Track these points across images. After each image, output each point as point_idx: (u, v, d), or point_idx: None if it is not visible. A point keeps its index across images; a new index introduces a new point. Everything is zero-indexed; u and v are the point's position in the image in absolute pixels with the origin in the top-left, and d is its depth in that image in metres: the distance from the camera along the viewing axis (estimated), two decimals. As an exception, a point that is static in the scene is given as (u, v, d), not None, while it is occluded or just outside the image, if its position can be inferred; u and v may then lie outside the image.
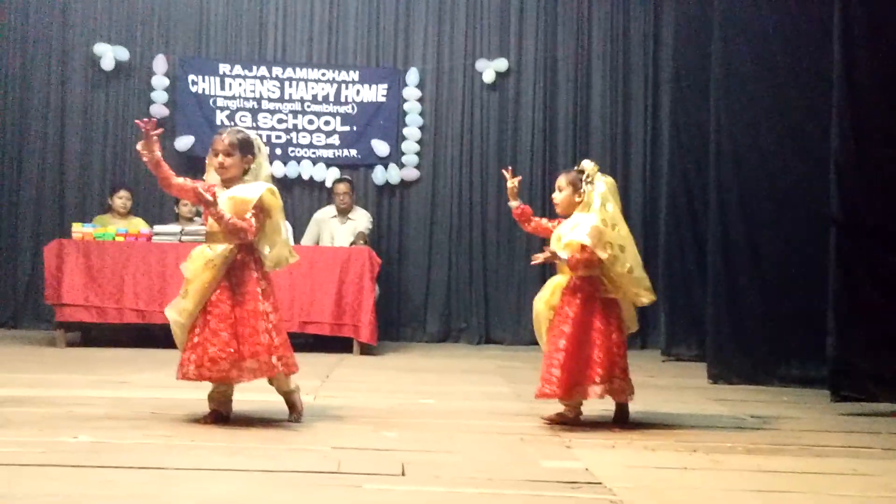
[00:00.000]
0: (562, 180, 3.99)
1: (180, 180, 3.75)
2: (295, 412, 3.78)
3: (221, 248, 3.66)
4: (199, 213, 7.99)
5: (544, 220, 4.15)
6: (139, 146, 3.67)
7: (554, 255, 3.84)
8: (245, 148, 3.75)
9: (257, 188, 3.70)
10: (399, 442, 3.42)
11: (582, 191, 3.90)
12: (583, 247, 3.79)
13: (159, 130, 3.71)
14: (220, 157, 3.73)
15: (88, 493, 2.53)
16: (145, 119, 3.75)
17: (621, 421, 3.93)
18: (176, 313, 3.66)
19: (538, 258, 3.92)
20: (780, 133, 5.58)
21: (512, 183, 4.18)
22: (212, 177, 3.83)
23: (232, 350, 3.59)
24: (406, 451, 3.21)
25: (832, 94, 4.79)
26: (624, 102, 8.54)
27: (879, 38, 4.76)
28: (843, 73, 4.76)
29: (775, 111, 5.60)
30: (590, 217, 3.83)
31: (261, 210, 3.67)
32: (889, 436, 3.92)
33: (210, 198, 3.60)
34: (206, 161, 3.90)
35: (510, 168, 4.39)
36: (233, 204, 3.66)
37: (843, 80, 4.75)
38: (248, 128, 8.24)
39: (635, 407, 4.08)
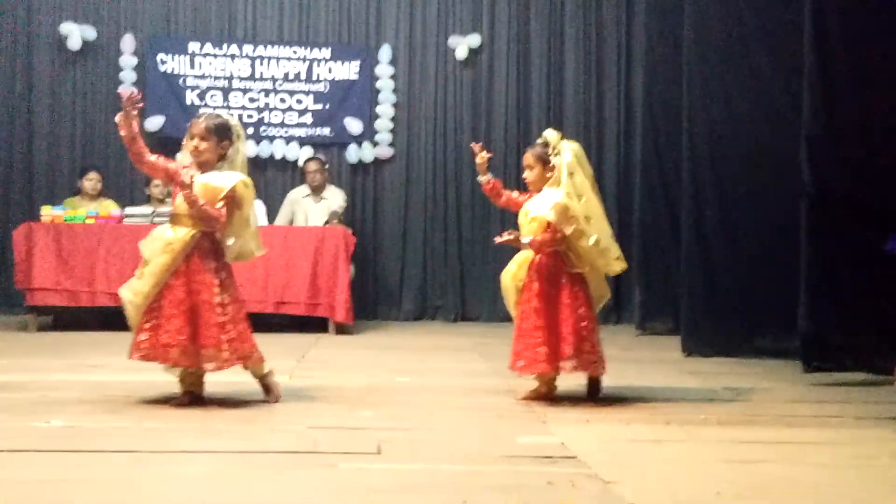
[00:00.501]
0: (529, 158, 3.96)
1: (153, 158, 3.69)
2: (271, 395, 3.76)
3: (183, 233, 3.62)
4: (170, 195, 7.91)
5: (515, 194, 4.15)
6: (118, 118, 3.60)
7: (517, 239, 3.85)
8: (222, 133, 3.71)
9: (231, 177, 3.66)
10: (375, 420, 3.42)
11: (551, 165, 3.88)
12: (548, 224, 3.78)
13: (140, 105, 3.63)
14: (196, 141, 3.69)
15: (63, 478, 2.51)
16: (130, 90, 3.66)
17: (593, 395, 3.95)
18: (131, 293, 3.63)
19: (499, 239, 3.91)
20: (752, 105, 5.60)
21: (481, 158, 4.14)
22: (184, 157, 3.79)
23: (183, 337, 3.57)
24: (382, 430, 3.21)
25: (803, 65, 4.81)
26: (597, 77, 8.53)
27: (850, 10, 4.78)
28: (813, 44, 4.77)
29: (748, 83, 5.62)
30: (556, 193, 3.81)
31: (232, 200, 3.64)
32: (859, 405, 3.98)
33: (188, 180, 3.56)
34: (183, 143, 3.85)
35: (480, 143, 4.33)
36: (204, 190, 3.61)
37: (813, 52, 4.77)
38: (218, 107, 8.24)
39: (610, 381, 4.10)
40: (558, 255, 3.86)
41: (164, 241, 3.63)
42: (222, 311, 3.63)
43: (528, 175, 3.98)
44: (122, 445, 2.91)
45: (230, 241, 3.71)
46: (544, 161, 3.90)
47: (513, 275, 3.96)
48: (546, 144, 3.92)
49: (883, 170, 4.71)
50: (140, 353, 3.63)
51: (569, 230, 3.77)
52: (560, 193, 3.79)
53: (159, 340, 3.57)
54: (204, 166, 3.70)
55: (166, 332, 3.57)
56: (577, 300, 3.86)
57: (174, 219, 3.70)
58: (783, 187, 5.26)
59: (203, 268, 3.64)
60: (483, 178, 4.15)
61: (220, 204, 3.61)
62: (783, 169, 5.28)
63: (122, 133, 3.60)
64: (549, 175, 3.89)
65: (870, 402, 4.05)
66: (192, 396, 3.67)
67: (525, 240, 3.83)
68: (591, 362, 3.87)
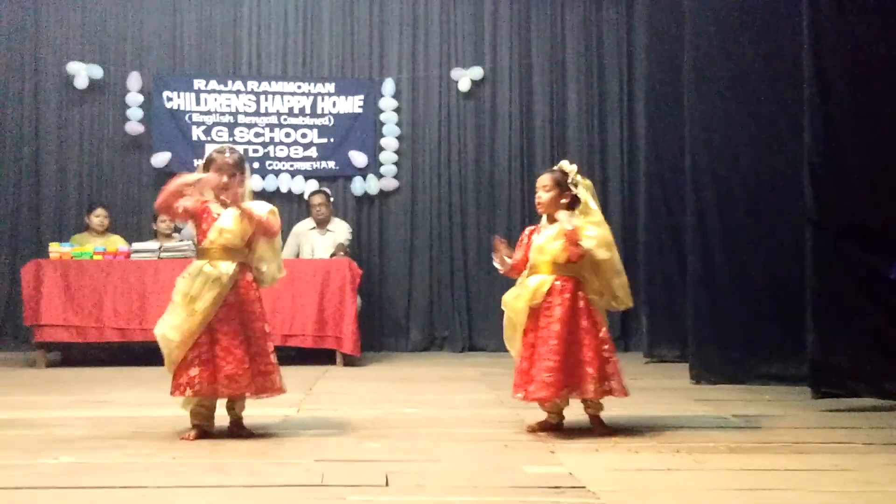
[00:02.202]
0: (548, 179, 3.94)
1: (179, 207, 3.74)
2: (246, 431, 3.77)
3: (227, 266, 3.69)
4: (177, 230, 7.96)
5: (518, 255, 4.04)
6: (194, 184, 3.70)
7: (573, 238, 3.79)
8: (243, 167, 3.84)
9: (262, 206, 3.81)
10: (383, 452, 3.42)
11: (567, 192, 3.91)
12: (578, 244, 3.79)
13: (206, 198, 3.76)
14: (225, 178, 3.75)
15: (70, 515, 2.51)
16: (217, 180, 3.72)
17: (599, 427, 3.91)
18: (175, 331, 3.63)
19: (502, 266, 3.98)
20: (754, 133, 5.62)
21: (500, 252, 4.05)
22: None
23: (247, 366, 3.65)
24: (390, 462, 3.21)
25: (804, 92, 4.84)
26: (600, 108, 8.59)
27: (850, 37, 4.81)
28: (814, 72, 4.80)
29: (747, 112, 5.64)
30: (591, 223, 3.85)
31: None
32: (869, 430, 3.96)
33: (249, 209, 3.69)
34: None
35: (503, 241, 4.15)
36: (240, 219, 3.72)
37: (814, 80, 4.80)
38: (224, 142, 8.31)
39: (618, 410, 4.09)
40: (576, 281, 3.86)
41: (207, 275, 3.66)
42: (271, 339, 3.81)
43: (542, 196, 3.94)
44: (130, 481, 2.91)
45: (264, 268, 3.82)
46: (561, 187, 3.92)
47: (527, 300, 3.86)
48: (564, 172, 3.94)
49: (886, 195, 4.71)
50: (193, 388, 3.62)
51: (605, 256, 3.81)
52: (596, 224, 3.85)
53: (222, 372, 3.61)
54: (227, 201, 3.77)
55: (229, 363, 3.62)
56: (595, 324, 3.85)
57: (209, 254, 3.72)
58: (787, 214, 5.27)
59: (251, 297, 3.75)
60: (504, 269, 4.06)
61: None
62: (787, 196, 5.29)
63: (179, 188, 3.68)
64: (562, 202, 3.91)
65: (879, 428, 4.02)
66: (201, 431, 3.68)
67: (567, 224, 3.79)
68: (619, 387, 3.84)
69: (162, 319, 3.73)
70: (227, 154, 3.78)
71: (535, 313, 3.85)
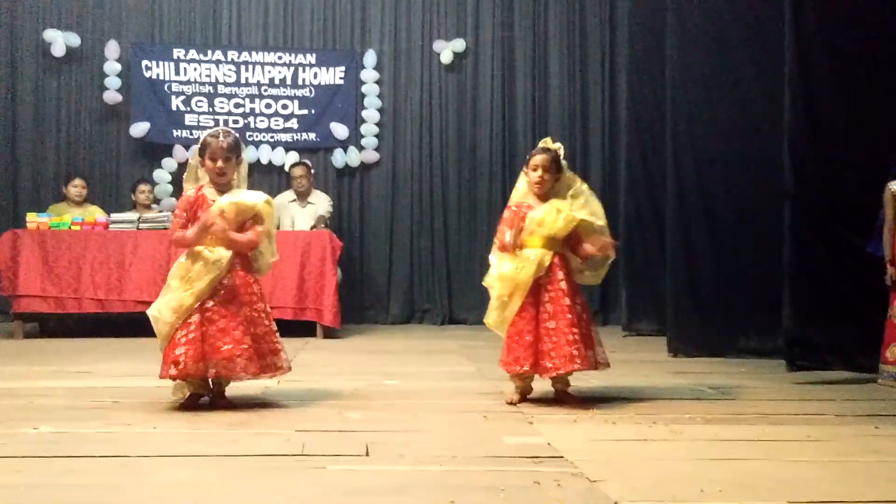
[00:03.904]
0: (547, 161, 3.92)
1: (190, 234, 3.70)
2: (226, 401, 3.78)
3: (224, 251, 3.69)
4: (156, 201, 7.92)
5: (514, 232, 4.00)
6: (216, 222, 3.65)
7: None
8: (239, 150, 3.81)
9: (257, 196, 3.80)
10: (363, 423, 3.44)
11: (558, 174, 3.95)
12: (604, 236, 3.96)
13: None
14: (220, 163, 3.72)
15: (51, 483, 2.52)
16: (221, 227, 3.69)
17: (570, 399, 3.93)
18: (168, 310, 3.63)
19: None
20: (734, 107, 5.65)
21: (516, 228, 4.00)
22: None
23: (246, 347, 3.65)
24: (370, 432, 3.23)
25: (784, 69, 4.86)
26: (581, 79, 8.59)
27: (831, 13, 4.83)
28: (794, 48, 4.83)
29: (729, 84, 5.68)
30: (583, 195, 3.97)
31: (258, 217, 3.77)
32: (842, 402, 4.03)
33: (217, 227, 3.66)
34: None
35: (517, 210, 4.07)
36: (237, 210, 3.72)
37: (793, 53, 4.83)
38: (204, 112, 8.25)
39: (597, 381, 4.13)
40: (567, 257, 3.94)
41: (206, 258, 3.67)
42: (272, 321, 3.81)
43: (542, 176, 3.92)
44: (111, 450, 2.91)
45: (259, 256, 3.84)
46: (558, 167, 3.95)
47: (533, 271, 3.84)
48: (557, 153, 3.95)
49: (863, 169, 4.77)
50: (178, 367, 3.60)
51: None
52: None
53: (219, 354, 3.61)
54: (225, 185, 3.77)
55: (226, 344, 3.62)
56: (584, 301, 3.99)
57: (207, 240, 3.71)
58: (766, 188, 5.32)
59: (249, 280, 3.77)
60: (512, 244, 3.94)
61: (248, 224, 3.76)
62: (765, 169, 5.34)
63: (210, 229, 3.65)
64: (556, 182, 3.95)
65: (852, 400, 4.09)
66: (197, 398, 3.73)
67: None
68: (603, 359, 3.97)
69: (156, 302, 3.73)
70: (222, 138, 3.74)
71: (534, 288, 3.87)
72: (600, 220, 3.97)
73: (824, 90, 4.85)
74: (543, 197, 3.95)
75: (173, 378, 3.66)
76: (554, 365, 3.80)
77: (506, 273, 3.92)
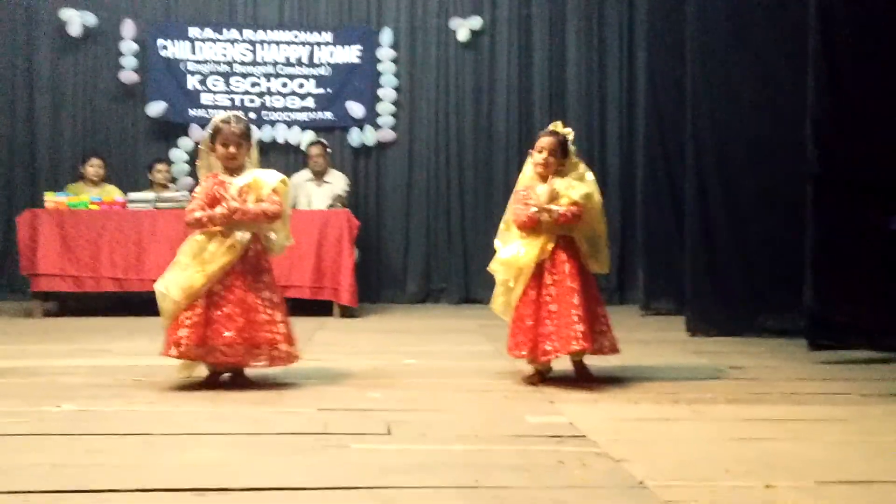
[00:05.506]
0: (554, 144, 3.90)
1: (204, 216, 3.69)
2: (247, 380, 3.79)
3: (241, 235, 3.68)
4: (173, 180, 7.92)
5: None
6: (223, 213, 3.65)
7: (547, 209, 3.81)
8: (250, 135, 3.79)
9: (273, 175, 3.76)
10: (384, 402, 3.44)
11: (564, 158, 3.92)
12: (574, 203, 3.81)
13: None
14: (232, 149, 3.71)
15: (74, 462, 2.52)
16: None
17: (585, 377, 3.92)
18: (177, 289, 3.61)
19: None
20: (756, 86, 5.59)
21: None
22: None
23: (247, 335, 3.63)
24: (391, 411, 3.23)
25: (807, 46, 4.80)
26: (599, 57, 8.52)
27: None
28: (817, 25, 4.75)
29: (752, 63, 5.61)
30: (583, 182, 3.90)
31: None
32: (865, 382, 4.00)
33: (232, 209, 3.66)
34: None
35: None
36: (255, 185, 3.70)
37: (817, 33, 4.75)
38: (220, 92, 8.24)
39: (616, 361, 4.12)
40: (573, 240, 3.88)
41: (222, 240, 3.66)
42: (282, 310, 3.76)
43: (546, 159, 3.90)
44: (133, 429, 2.92)
45: (273, 236, 3.80)
46: (564, 150, 3.91)
47: (536, 255, 3.83)
48: (564, 137, 3.92)
49: (887, 150, 4.70)
50: (179, 349, 3.61)
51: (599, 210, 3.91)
52: (588, 182, 3.92)
53: (220, 340, 3.60)
54: (236, 170, 3.75)
55: (229, 330, 3.61)
56: (591, 280, 3.93)
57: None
58: (787, 167, 5.26)
59: (262, 267, 3.74)
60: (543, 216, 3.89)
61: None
62: (787, 149, 5.28)
63: (220, 219, 3.65)
64: (560, 166, 3.91)
65: (875, 380, 4.06)
66: (217, 375, 3.74)
67: (556, 208, 3.82)
68: (611, 344, 3.92)
69: (163, 276, 3.71)
70: (234, 124, 3.72)
71: (538, 272, 3.85)
72: (578, 191, 3.84)
73: (849, 68, 4.77)
74: (545, 178, 3.94)
75: (174, 358, 3.67)
76: (553, 348, 3.77)
77: (509, 258, 3.92)
